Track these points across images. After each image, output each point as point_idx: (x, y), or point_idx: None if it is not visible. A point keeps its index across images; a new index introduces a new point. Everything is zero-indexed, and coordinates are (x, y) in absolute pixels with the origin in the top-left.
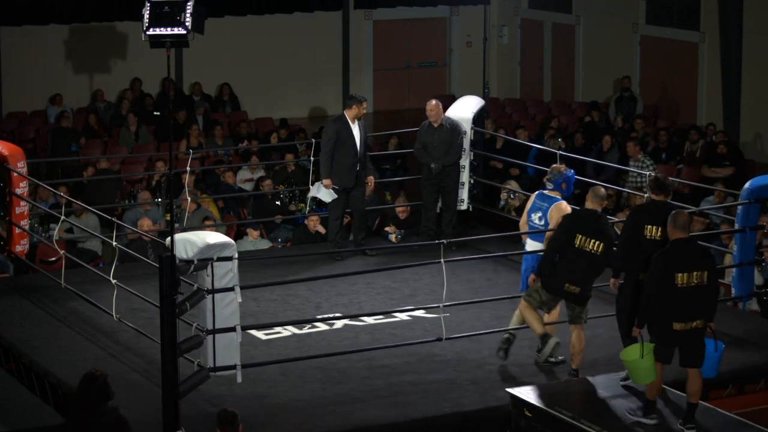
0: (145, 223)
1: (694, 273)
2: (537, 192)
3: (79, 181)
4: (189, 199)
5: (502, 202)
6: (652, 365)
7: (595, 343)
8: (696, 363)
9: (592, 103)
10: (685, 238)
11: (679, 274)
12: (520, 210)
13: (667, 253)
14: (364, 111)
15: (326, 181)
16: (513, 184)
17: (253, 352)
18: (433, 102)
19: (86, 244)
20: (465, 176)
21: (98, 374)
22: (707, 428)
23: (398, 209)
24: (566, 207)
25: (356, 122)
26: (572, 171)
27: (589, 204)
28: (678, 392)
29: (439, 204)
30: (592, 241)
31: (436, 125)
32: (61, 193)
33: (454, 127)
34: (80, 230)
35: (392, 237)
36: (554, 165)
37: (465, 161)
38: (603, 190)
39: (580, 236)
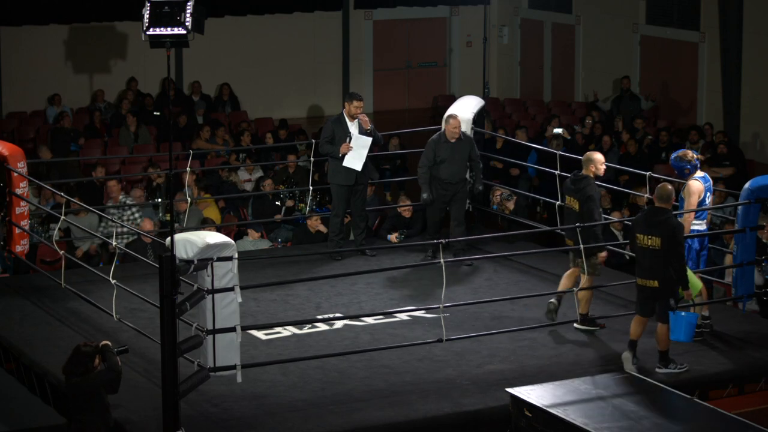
0: (147, 225)
1: (649, 237)
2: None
3: (79, 181)
4: (189, 199)
5: (494, 207)
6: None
7: (595, 343)
8: (659, 318)
9: (591, 103)
10: (654, 206)
11: (639, 235)
12: (516, 211)
13: (637, 216)
14: (358, 109)
15: (343, 146)
16: (498, 191)
17: (253, 352)
18: (459, 118)
19: (83, 245)
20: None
21: (82, 347)
22: (707, 428)
23: (402, 211)
24: (691, 184)
25: (355, 121)
26: (673, 159)
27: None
28: (677, 392)
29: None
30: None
31: (453, 140)
32: (62, 193)
33: (468, 138)
34: (78, 231)
35: (392, 237)
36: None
37: None
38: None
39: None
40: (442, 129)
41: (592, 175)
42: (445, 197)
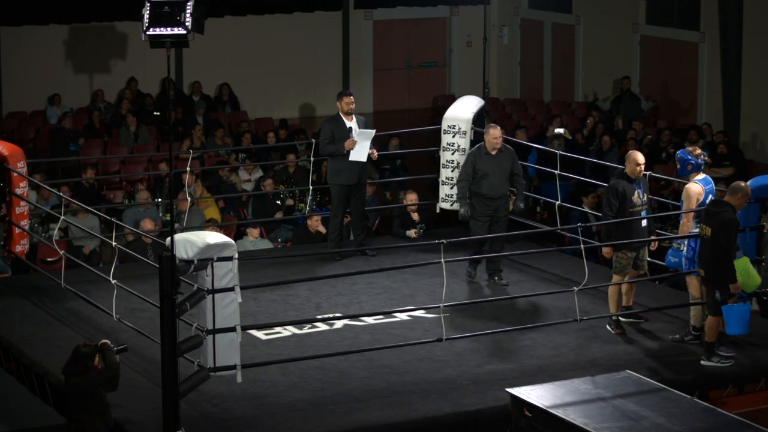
0: (148, 224)
1: (705, 226)
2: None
3: (79, 182)
4: (189, 199)
5: None
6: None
7: (595, 343)
8: (708, 311)
9: (591, 103)
10: (717, 199)
11: (700, 224)
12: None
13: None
14: (352, 105)
15: (348, 142)
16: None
17: (253, 352)
18: (500, 130)
19: (89, 244)
20: None
21: (82, 348)
22: (707, 428)
23: (410, 208)
24: (689, 187)
25: (353, 119)
26: (681, 150)
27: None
28: (677, 392)
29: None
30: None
31: (494, 152)
32: (61, 193)
33: (509, 150)
34: (78, 231)
35: (411, 233)
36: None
37: None
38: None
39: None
40: (442, 127)
41: (628, 172)
42: (488, 213)
